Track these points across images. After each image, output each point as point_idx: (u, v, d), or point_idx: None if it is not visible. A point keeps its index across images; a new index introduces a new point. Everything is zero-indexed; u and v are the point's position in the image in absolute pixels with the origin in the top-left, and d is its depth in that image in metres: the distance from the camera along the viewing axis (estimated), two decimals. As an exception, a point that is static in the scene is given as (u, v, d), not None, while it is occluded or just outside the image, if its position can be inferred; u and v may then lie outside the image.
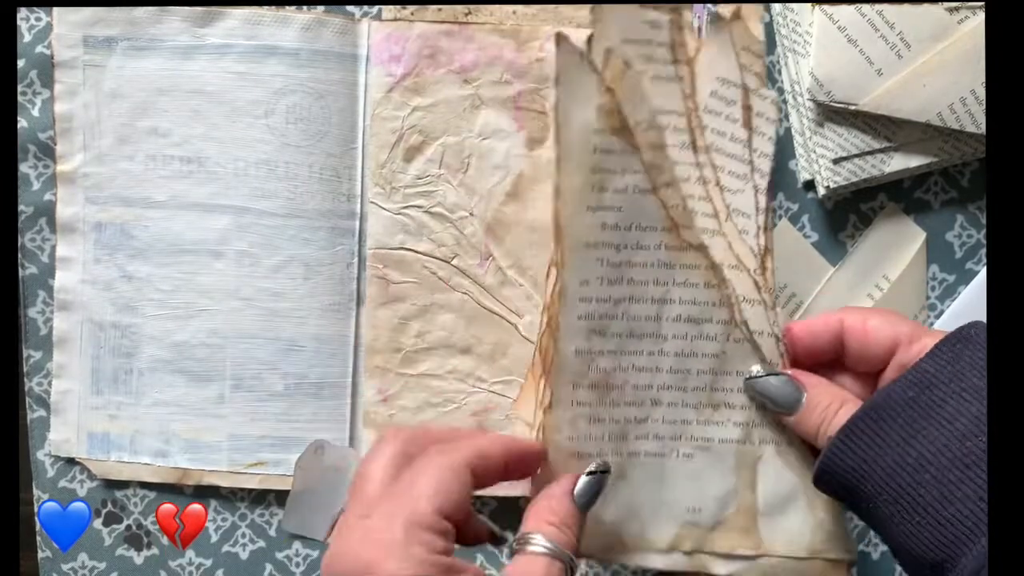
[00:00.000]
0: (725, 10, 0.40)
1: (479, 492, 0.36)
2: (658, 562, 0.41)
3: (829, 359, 0.40)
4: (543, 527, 0.35)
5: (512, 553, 0.35)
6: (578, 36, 0.49)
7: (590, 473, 0.38)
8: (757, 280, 0.40)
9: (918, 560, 0.35)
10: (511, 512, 0.53)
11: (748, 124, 0.41)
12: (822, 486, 0.38)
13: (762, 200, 0.41)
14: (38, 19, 0.50)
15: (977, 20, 0.47)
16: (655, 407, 0.40)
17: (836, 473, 0.37)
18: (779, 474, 0.41)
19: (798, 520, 0.40)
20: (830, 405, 0.38)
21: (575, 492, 0.37)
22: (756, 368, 0.40)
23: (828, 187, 0.50)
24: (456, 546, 0.34)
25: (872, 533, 0.52)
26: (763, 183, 0.41)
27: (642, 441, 0.40)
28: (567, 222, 0.38)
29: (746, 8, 0.40)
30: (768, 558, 0.41)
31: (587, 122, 0.38)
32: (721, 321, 0.40)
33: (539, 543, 0.35)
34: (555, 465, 0.39)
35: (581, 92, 0.38)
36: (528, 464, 0.38)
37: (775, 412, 0.40)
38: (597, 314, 0.39)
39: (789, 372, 0.40)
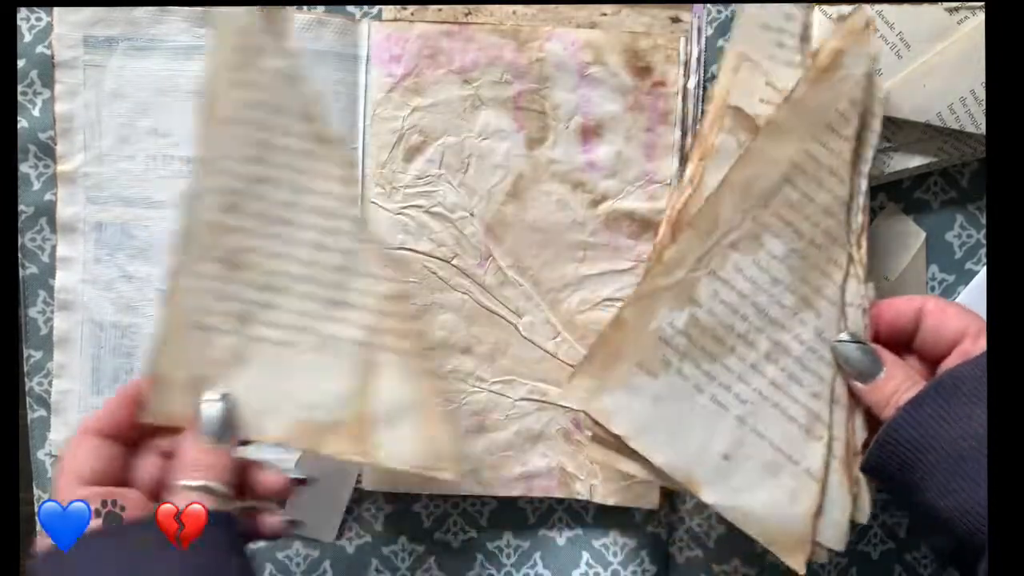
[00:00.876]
0: (859, 18, 0.44)
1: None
2: (270, 453, 0.44)
3: (906, 338, 0.43)
4: (189, 475, 0.38)
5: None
6: (578, 36, 0.49)
7: (211, 400, 0.39)
8: (852, 254, 0.44)
9: (969, 530, 0.37)
10: (510, 508, 0.53)
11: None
12: (879, 457, 0.41)
13: (863, 184, 0.45)
14: (38, 19, 0.50)
15: (977, 20, 0.47)
16: (285, 295, 0.41)
17: (899, 443, 0.39)
18: (396, 385, 0.42)
19: (411, 433, 0.42)
20: (904, 382, 0.41)
21: (203, 428, 0.39)
22: (844, 335, 0.43)
23: (828, 187, 0.50)
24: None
25: (872, 532, 0.52)
26: (866, 168, 0.45)
27: (268, 327, 0.41)
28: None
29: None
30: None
31: None
32: (352, 219, 0.41)
33: (182, 486, 0.38)
34: (178, 333, 0.40)
35: None
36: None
37: (850, 377, 0.43)
38: (230, 189, 0.40)
39: (873, 346, 0.43)
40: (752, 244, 0.43)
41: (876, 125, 0.45)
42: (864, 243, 0.44)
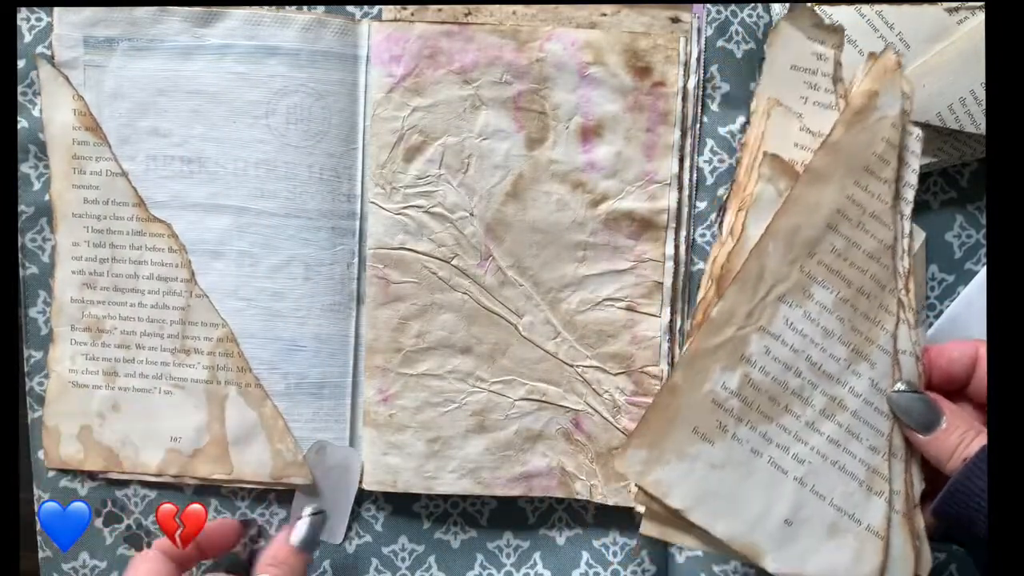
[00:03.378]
0: (890, 58, 0.43)
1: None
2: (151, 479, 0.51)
3: (959, 384, 0.43)
4: (266, 570, 0.46)
5: None
6: (578, 36, 0.49)
7: (308, 516, 0.48)
8: (902, 299, 0.43)
9: None
10: (510, 507, 0.53)
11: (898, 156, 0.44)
12: (948, 509, 0.40)
13: (906, 225, 0.43)
14: (38, 19, 0.50)
15: (976, 20, 0.47)
16: (139, 350, 0.50)
17: (973, 493, 0.38)
18: (241, 411, 0.50)
19: (260, 450, 0.50)
20: (968, 431, 0.40)
21: (293, 538, 0.47)
22: (900, 385, 0.42)
23: (828, 187, 0.50)
24: None
25: None
26: (907, 210, 0.43)
27: (131, 378, 0.50)
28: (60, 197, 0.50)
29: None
30: (240, 483, 0.51)
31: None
32: (183, 280, 0.49)
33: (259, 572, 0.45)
34: (61, 392, 0.50)
35: None
36: (220, 533, 0.49)
37: (908, 428, 0.42)
38: (87, 271, 0.49)
39: (931, 395, 0.42)
40: (800, 296, 0.42)
41: (915, 163, 0.44)
42: (912, 287, 0.43)
